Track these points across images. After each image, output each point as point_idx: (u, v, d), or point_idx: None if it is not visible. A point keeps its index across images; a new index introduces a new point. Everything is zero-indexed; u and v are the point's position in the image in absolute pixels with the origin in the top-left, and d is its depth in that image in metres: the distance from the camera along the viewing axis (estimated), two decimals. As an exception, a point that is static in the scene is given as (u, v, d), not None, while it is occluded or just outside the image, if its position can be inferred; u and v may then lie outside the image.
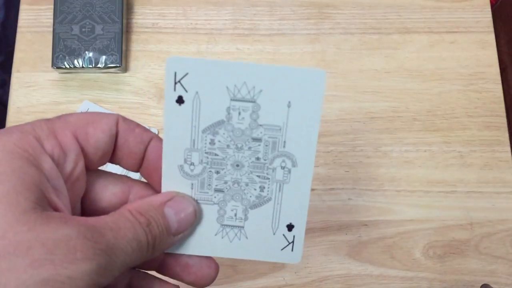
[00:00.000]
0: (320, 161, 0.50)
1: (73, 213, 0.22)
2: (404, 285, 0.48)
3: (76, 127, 0.22)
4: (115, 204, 0.24)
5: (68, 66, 0.50)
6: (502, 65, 0.59)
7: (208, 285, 0.25)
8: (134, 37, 0.53)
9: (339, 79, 0.52)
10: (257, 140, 0.23)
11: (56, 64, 0.50)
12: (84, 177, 0.22)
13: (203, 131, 0.23)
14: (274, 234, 0.25)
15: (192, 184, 0.24)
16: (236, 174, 0.24)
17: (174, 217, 0.23)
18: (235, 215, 0.24)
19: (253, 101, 0.22)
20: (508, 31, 0.80)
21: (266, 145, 0.23)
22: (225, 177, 0.24)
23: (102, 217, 0.20)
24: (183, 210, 0.23)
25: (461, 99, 0.52)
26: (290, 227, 0.24)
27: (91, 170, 0.23)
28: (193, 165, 0.23)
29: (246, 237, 0.25)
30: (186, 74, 0.22)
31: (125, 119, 0.23)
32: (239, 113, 0.22)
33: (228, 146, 0.23)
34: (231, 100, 0.22)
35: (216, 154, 0.23)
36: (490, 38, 0.54)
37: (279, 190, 0.24)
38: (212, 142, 0.23)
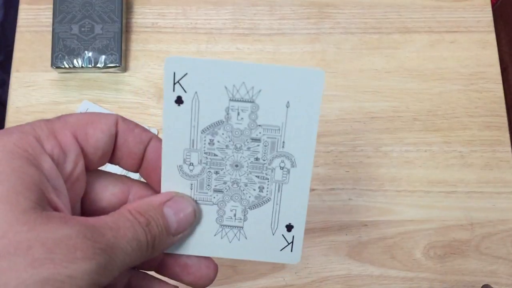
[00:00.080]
0: (320, 161, 0.50)
1: (73, 213, 0.22)
2: (404, 286, 0.48)
3: (76, 127, 0.22)
4: (115, 204, 0.24)
5: (67, 66, 0.50)
6: (502, 65, 0.59)
7: (207, 285, 0.25)
8: (133, 36, 0.53)
9: (339, 78, 0.52)
10: (256, 140, 0.23)
11: (55, 63, 0.50)
12: (84, 177, 0.23)
13: (202, 132, 0.23)
14: (273, 234, 0.25)
15: (191, 184, 0.24)
16: (235, 174, 0.24)
17: (173, 217, 0.23)
18: (234, 215, 0.24)
19: (252, 102, 0.22)
20: (509, 31, 0.80)
21: (265, 146, 0.23)
22: (224, 178, 0.24)
23: (102, 217, 0.20)
24: (183, 210, 0.23)
25: (461, 99, 0.52)
26: (289, 227, 0.24)
27: (91, 170, 0.23)
28: (192, 165, 0.23)
29: (245, 238, 0.25)
30: (185, 74, 0.22)
31: (124, 119, 0.23)
32: (238, 114, 0.22)
33: (227, 146, 0.23)
34: (230, 100, 0.22)
35: (215, 155, 0.23)
36: (491, 37, 0.54)
37: (278, 191, 0.24)
38: (211, 143, 0.23)
